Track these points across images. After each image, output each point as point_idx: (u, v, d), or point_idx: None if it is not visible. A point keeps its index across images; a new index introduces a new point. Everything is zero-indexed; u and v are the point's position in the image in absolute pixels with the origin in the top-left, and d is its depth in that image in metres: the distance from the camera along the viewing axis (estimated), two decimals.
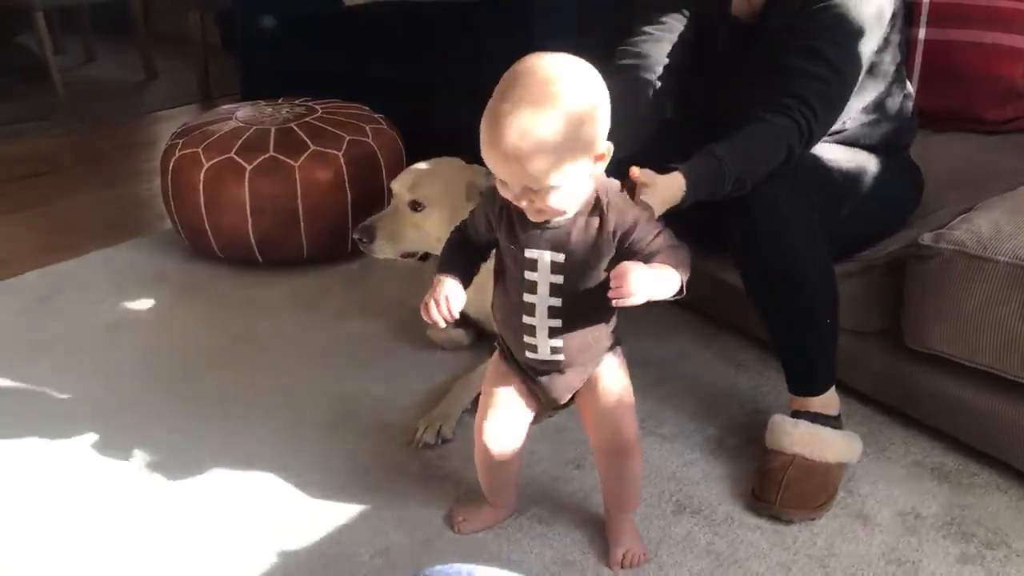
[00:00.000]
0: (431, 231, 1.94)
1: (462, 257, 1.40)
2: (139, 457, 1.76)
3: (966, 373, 1.63)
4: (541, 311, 1.32)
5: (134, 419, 1.88)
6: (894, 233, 1.76)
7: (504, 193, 1.24)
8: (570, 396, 1.44)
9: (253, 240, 2.43)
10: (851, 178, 1.69)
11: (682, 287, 1.26)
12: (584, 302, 1.31)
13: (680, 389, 1.94)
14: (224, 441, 1.80)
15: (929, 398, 1.73)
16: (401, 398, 1.92)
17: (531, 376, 1.41)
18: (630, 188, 1.34)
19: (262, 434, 1.82)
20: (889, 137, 1.75)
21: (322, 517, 1.60)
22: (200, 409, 1.90)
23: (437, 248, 1.96)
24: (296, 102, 2.69)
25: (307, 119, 2.54)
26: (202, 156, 2.42)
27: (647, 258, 1.25)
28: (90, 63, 4.94)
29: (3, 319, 2.30)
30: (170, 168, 2.48)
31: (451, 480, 1.68)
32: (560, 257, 1.28)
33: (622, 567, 1.48)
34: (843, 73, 1.57)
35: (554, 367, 1.38)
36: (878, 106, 1.72)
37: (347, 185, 2.43)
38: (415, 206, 1.94)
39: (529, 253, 1.30)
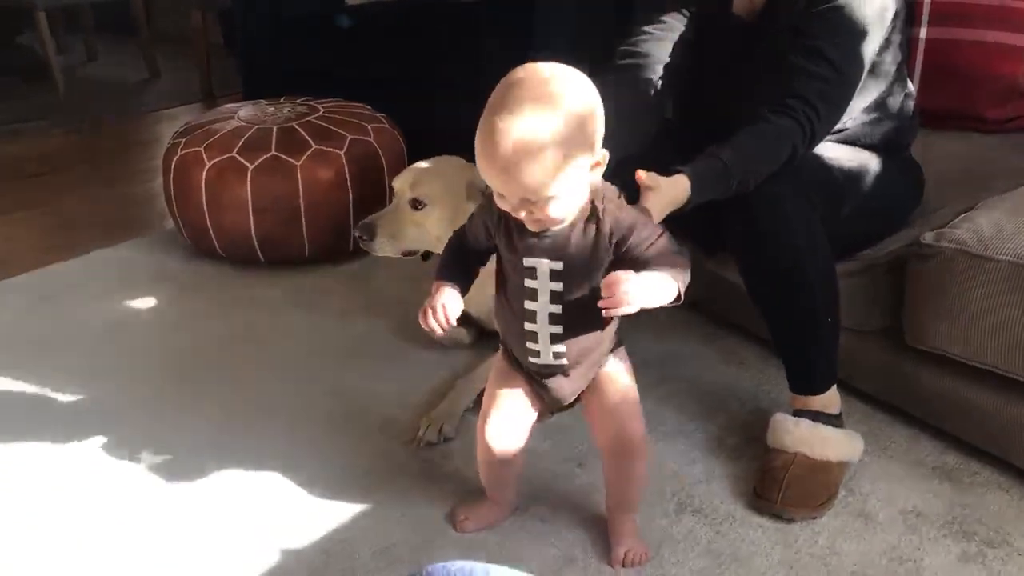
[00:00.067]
0: (431, 229, 1.94)
1: (460, 263, 1.41)
2: (140, 456, 1.76)
3: (967, 372, 1.64)
4: (542, 318, 1.32)
5: (136, 418, 1.88)
6: (895, 232, 1.77)
7: (502, 205, 1.24)
8: (575, 398, 1.44)
9: (255, 239, 2.43)
10: (852, 177, 1.69)
11: (679, 294, 1.24)
12: (585, 308, 1.30)
13: (681, 388, 1.94)
14: (225, 440, 1.80)
15: (930, 397, 1.74)
16: (403, 397, 1.92)
17: (536, 379, 1.42)
18: (630, 193, 1.35)
19: (264, 433, 1.82)
20: (890, 136, 1.75)
21: (324, 515, 1.60)
22: (201, 408, 1.91)
23: (437, 246, 1.96)
24: (298, 101, 2.69)
25: (309, 118, 2.54)
26: (204, 155, 2.42)
27: (644, 264, 1.24)
28: (92, 62, 4.95)
29: (4, 318, 2.30)
30: (172, 167, 2.49)
31: (453, 479, 1.68)
32: (559, 265, 1.29)
33: (624, 566, 1.48)
34: (845, 73, 1.57)
35: (558, 370, 1.39)
36: (879, 105, 1.72)
37: (349, 184, 2.44)
38: (416, 204, 1.95)
39: (528, 262, 1.30)
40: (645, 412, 1.45)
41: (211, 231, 2.46)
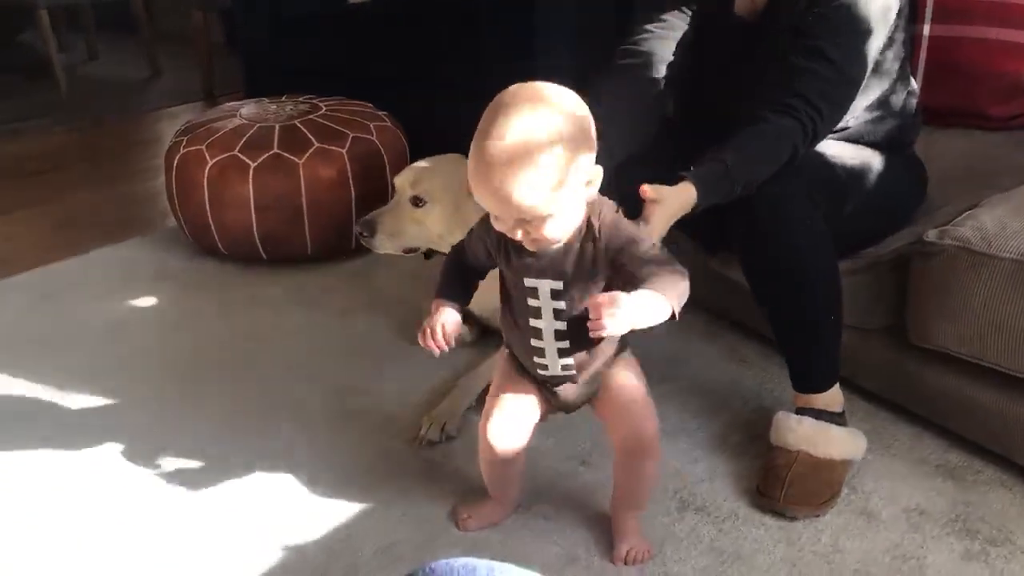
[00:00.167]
0: (432, 227, 1.94)
1: (459, 280, 1.41)
2: (141, 455, 1.76)
3: (971, 370, 1.63)
4: (548, 335, 1.33)
5: (137, 417, 1.88)
6: (898, 230, 1.76)
7: (497, 226, 1.24)
8: (583, 401, 1.45)
9: (257, 237, 2.43)
10: (855, 175, 1.69)
11: (674, 313, 1.22)
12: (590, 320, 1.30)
13: (683, 386, 1.94)
14: (227, 439, 1.80)
15: (934, 395, 1.73)
16: (405, 395, 1.92)
17: (544, 385, 1.42)
18: (633, 196, 1.34)
19: (265, 431, 1.82)
20: (893, 134, 1.75)
21: (326, 513, 1.60)
22: (203, 407, 1.91)
23: (438, 244, 1.97)
24: (300, 99, 2.70)
25: (311, 116, 2.54)
26: (206, 154, 2.42)
27: (639, 281, 1.23)
28: (93, 61, 4.95)
29: (6, 317, 2.30)
30: (174, 166, 2.49)
31: (455, 477, 1.68)
32: (559, 285, 1.29)
33: (626, 563, 1.48)
34: (847, 72, 1.57)
35: (567, 379, 1.40)
36: (882, 103, 1.72)
37: (351, 182, 2.44)
38: (416, 202, 1.95)
39: (528, 282, 1.30)
40: None
41: (213, 229, 2.46)
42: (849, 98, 1.61)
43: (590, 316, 1.17)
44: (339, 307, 2.32)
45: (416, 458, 1.74)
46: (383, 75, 3.00)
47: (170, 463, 1.74)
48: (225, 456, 1.75)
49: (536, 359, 1.37)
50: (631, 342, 1.43)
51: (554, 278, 1.28)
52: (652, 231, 1.36)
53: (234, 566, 1.50)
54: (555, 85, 1.21)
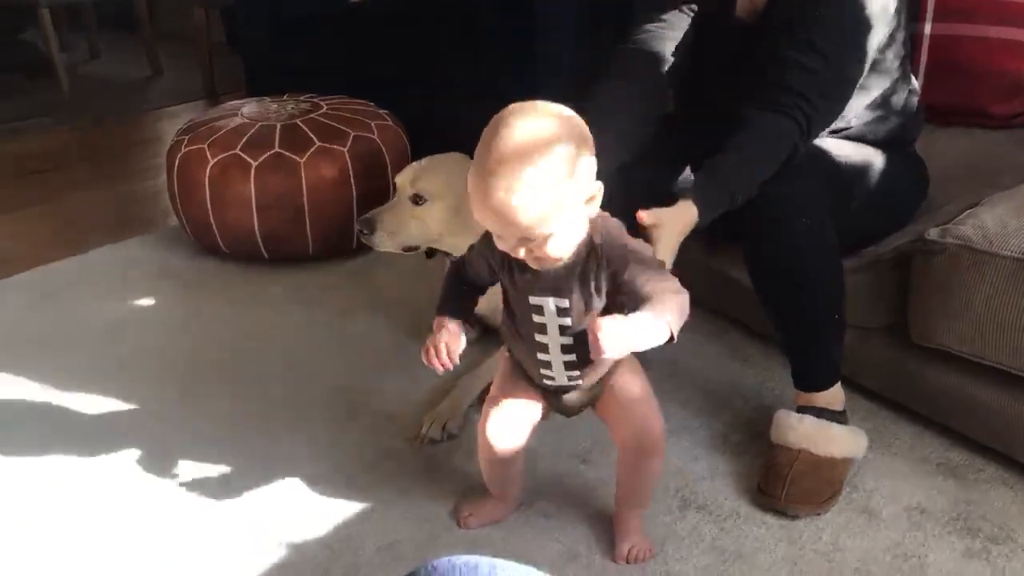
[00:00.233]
0: (432, 225, 1.94)
1: (460, 295, 1.41)
2: (143, 453, 1.76)
3: (972, 369, 1.63)
4: (554, 349, 1.34)
5: (138, 416, 1.88)
6: (900, 229, 1.76)
7: (500, 246, 1.24)
8: (585, 405, 1.45)
9: (258, 236, 2.44)
10: (859, 173, 1.69)
11: (672, 335, 1.22)
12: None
13: (685, 384, 1.94)
14: (228, 437, 1.81)
15: (935, 394, 1.73)
16: (406, 394, 1.92)
17: (548, 391, 1.43)
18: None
19: (267, 430, 1.83)
20: (895, 133, 1.75)
21: (327, 512, 1.61)
22: (204, 406, 1.91)
23: (438, 242, 1.97)
24: (301, 98, 2.70)
25: (312, 115, 2.55)
26: (208, 153, 2.42)
27: (639, 301, 1.23)
28: (95, 60, 4.95)
29: (8, 316, 2.30)
30: (176, 165, 2.49)
31: (457, 475, 1.69)
32: (564, 302, 1.29)
33: (628, 562, 1.48)
34: (840, 67, 1.56)
35: (572, 388, 1.40)
36: (884, 102, 1.72)
37: (352, 181, 2.44)
38: (417, 199, 1.95)
39: (533, 299, 1.30)
40: None
41: (215, 228, 2.46)
42: (845, 95, 1.60)
43: (589, 340, 1.17)
44: (340, 306, 2.32)
45: (417, 457, 1.74)
46: (384, 74, 3.00)
47: (170, 462, 1.74)
48: (226, 455, 1.75)
49: (542, 371, 1.38)
50: None
51: (559, 295, 1.29)
52: (660, 255, 1.35)
53: (235, 565, 1.50)
54: (551, 103, 1.21)
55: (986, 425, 1.67)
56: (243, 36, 3.56)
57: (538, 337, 1.33)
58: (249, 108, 2.62)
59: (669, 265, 1.35)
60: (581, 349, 1.31)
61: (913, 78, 1.81)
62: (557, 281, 1.28)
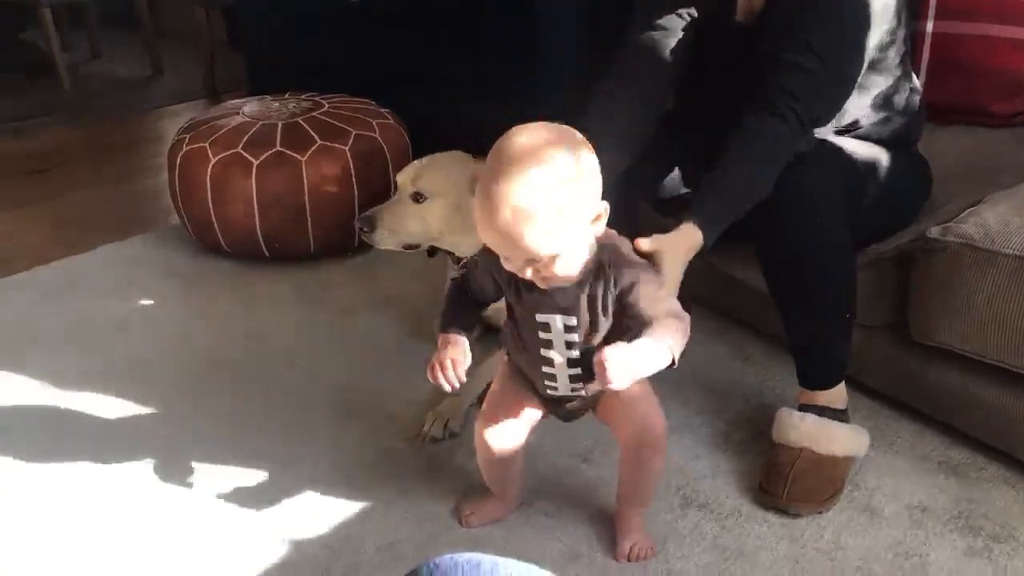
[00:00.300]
0: (433, 223, 1.94)
1: (464, 311, 1.41)
2: (144, 452, 1.76)
3: (974, 367, 1.63)
4: (560, 363, 1.35)
5: (139, 414, 1.88)
6: (904, 227, 1.75)
7: (507, 266, 1.25)
8: (585, 410, 1.46)
9: (260, 235, 2.44)
10: (871, 171, 1.67)
11: (673, 360, 1.24)
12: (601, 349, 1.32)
13: (686, 383, 1.94)
14: (230, 436, 1.81)
15: (937, 392, 1.73)
16: (408, 392, 1.92)
17: (550, 399, 1.43)
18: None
19: (268, 428, 1.83)
20: (900, 132, 1.74)
21: (328, 511, 1.61)
22: (206, 404, 1.91)
23: (439, 241, 1.97)
24: (302, 97, 2.70)
25: (313, 114, 2.55)
26: (209, 151, 2.42)
27: (642, 324, 1.25)
28: (96, 59, 4.95)
29: (10, 315, 2.31)
30: (177, 163, 2.49)
31: (458, 474, 1.68)
32: (572, 320, 1.30)
33: (629, 560, 1.48)
34: (837, 66, 1.55)
35: (576, 398, 1.41)
36: (886, 101, 1.71)
37: (354, 180, 2.44)
38: (417, 197, 1.95)
39: (540, 317, 1.31)
40: None
41: (216, 227, 2.46)
42: (843, 95, 1.60)
43: (595, 371, 1.19)
44: (342, 305, 2.32)
45: (419, 455, 1.74)
46: (385, 73, 2.99)
47: (172, 461, 1.74)
48: (226, 454, 1.75)
49: (546, 382, 1.39)
50: None
51: (566, 314, 1.30)
52: (667, 281, 1.35)
53: (236, 564, 1.50)
54: (555, 124, 1.22)
55: (988, 423, 1.67)
56: (244, 35, 3.55)
57: (543, 352, 1.34)
58: (250, 107, 2.63)
59: (673, 291, 1.35)
60: (587, 364, 1.32)
61: (914, 76, 1.80)
62: (565, 300, 1.29)
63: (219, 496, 1.65)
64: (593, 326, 1.30)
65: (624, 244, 1.31)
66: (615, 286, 1.27)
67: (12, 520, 1.60)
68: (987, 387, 1.64)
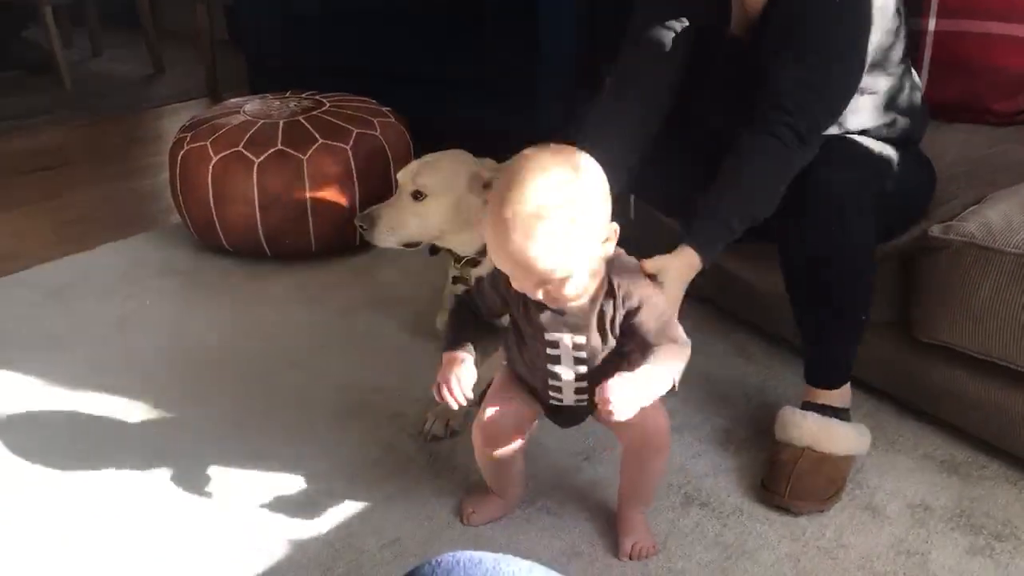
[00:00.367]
0: (432, 220, 1.95)
1: (468, 330, 1.42)
2: (146, 450, 1.77)
3: (975, 365, 1.63)
4: (567, 378, 1.37)
5: (140, 413, 1.88)
6: (909, 227, 1.74)
7: (518, 287, 1.27)
8: (585, 417, 1.47)
9: (261, 234, 2.44)
10: (891, 168, 1.66)
11: (674, 386, 1.28)
12: (608, 364, 1.35)
13: (688, 382, 1.91)
14: (232, 434, 1.81)
15: (938, 391, 1.73)
16: (410, 390, 1.92)
17: (553, 407, 1.44)
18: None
19: (271, 426, 1.83)
20: (906, 131, 1.73)
21: (330, 509, 1.61)
22: (207, 403, 1.91)
23: (439, 239, 1.97)
24: (304, 95, 2.69)
25: (315, 112, 2.54)
26: (210, 150, 2.42)
27: (646, 346, 1.28)
28: (97, 57, 4.95)
29: (12, 313, 2.31)
30: (178, 162, 2.49)
31: (460, 472, 1.69)
32: (581, 339, 1.32)
33: (631, 558, 1.48)
34: (835, 78, 1.54)
35: (579, 408, 1.43)
36: (892, 101, 1.70)
37: (355, 178, 2.44)
38: (416, 195, 1.95)
39: (550, 336, 1.33)
40: None
41: (217, 226, 2.46)
42: (839, 109, 1.57)
43: (599, 405, 1.22)
44: (343, 303, 2.32)
45: (420, 454, 1.75)
46: (385, 73, 3.00)
47: (173, 460, 1.74)
48: (229, 452, 1.75)
49: (552, 393, 1.40)
50: None
51: (576, 332, 1.32)
52: (668, 302, 1.37)
53: (238, 562, 1.50)
54: (564, 147, 1.24)
55: (989, 422, 1.67)
56: (245, 34, 3.55)
57: (551, 367, 1.36)
58: (251, 105, 2.62)
59: (675, 312, 1.38)
60: (594, 376, 1.35)
61: (915, 73, 1.79)
62: (575, 319, 1.30)
63: (220, 495, 1.65)
64: (602, 343, 1.32)
65: (632, 263, 1.33)
66: (624, 304, 1.29)
67: (12, 519, 1.60)
68: (989, 385, 1.63)
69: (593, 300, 1.29)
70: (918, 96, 1.78)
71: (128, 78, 4.61)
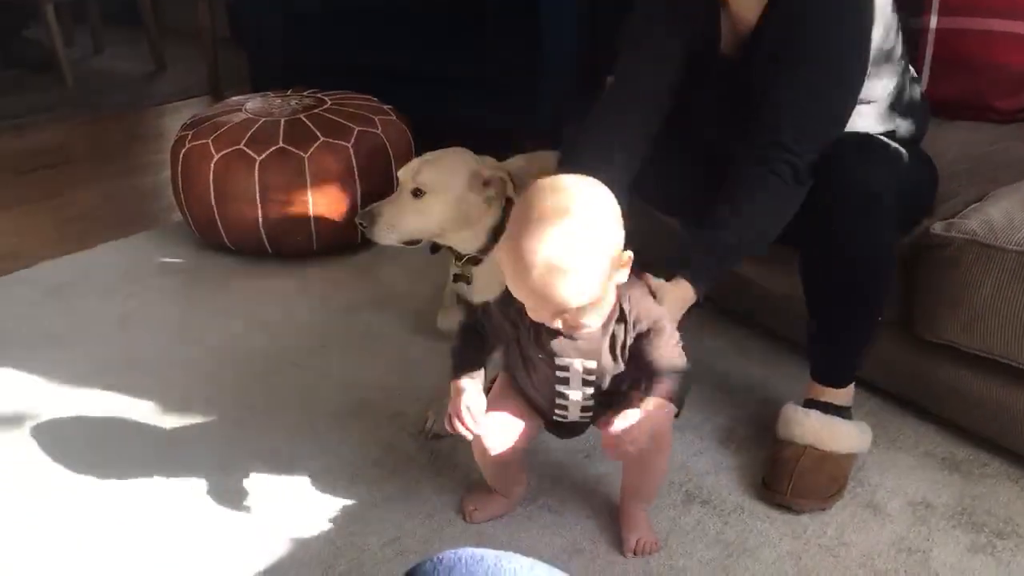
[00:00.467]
0: (432, 218, 1.94)
1: (475, 353, 1.42)
2: (147, 448, 1.77)
3: (977, 363, 1.63)
4: (575, 398, 1.38)
5: (143, 410, 1.88)
6: (913, 227, 1.73)
7: (535, 317, 1.28)
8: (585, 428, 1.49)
9: (263, 232, 2.44)
10: (905, 165, 1.65)
11: (678, 412, 1.31)
12: (615, 386, 1.37)
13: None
14: (233, 432, 1.81)
15: (940, 388, 1.73)
16: (411, 388, 1.92)
17: (555, 420, 1.45)
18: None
19: (271, 424, 1.83)
20: (911, 129, 1.72)
21: (332, 507, 1.61)
22: (210, 400, 1.91)
23: (439, 237, 1.97)
24: (305, 93, 2.69)
25: (316, 110, 2.54)
26: (212, 148, 2.42)
27: (651, 372, 1.31)
28: (99, 55, 4.95)
29: (14, 311, 2.31)
30: (180, 160, 2.49)
31: (461, 470, 1.69)
32: (592, 364, 1.34)
33: (636, 554, 1.48)
34: (837, 97, 1.54)
35: (584, 423, 1.45)
36: (892, 105, 1.68)
37: (356, 176, 2.44)
38: (416, 193, 1.95)
39: (560, 361, 1.34)
40: None
41: (219, 224, 2.46)
42: (838, 130, 1.56)
43: (607, 441, 1.26)
44: (344, 302, 2.32)
45: (422, 451, 1.75)
46: (388, 69, 2.99)
47: (175, 458, 1.74)
48: (230, 451, 1.75)
49: (557, 411, 1.42)
50: None
51: (587, 357, 1.33)
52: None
53: (240, 561, 1.50)
54: (577, 177, 1.25)
55: (991, 420, 1.67)
56: (247, 31, 3.55)
57: (559, 388, 1.38)
58: (253, 103, 2.62)
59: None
60: (600, 398, 1.38)
61: (913, 70, 1.79)
62: (588, 344, 1.32)
63: (222, 492, 1.65)
64: (612, 367, 1.34)
65: (642, 287, 1.35)
66: (634, 328, 1.31)
67: (12, 519, 1.60)
68: (990, 383, 1.63)
69: (605, 325, 1.31)
70: (918, 93, 1.77)
71: (129, 76, 4.61)
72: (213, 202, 2.43)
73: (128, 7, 4.68)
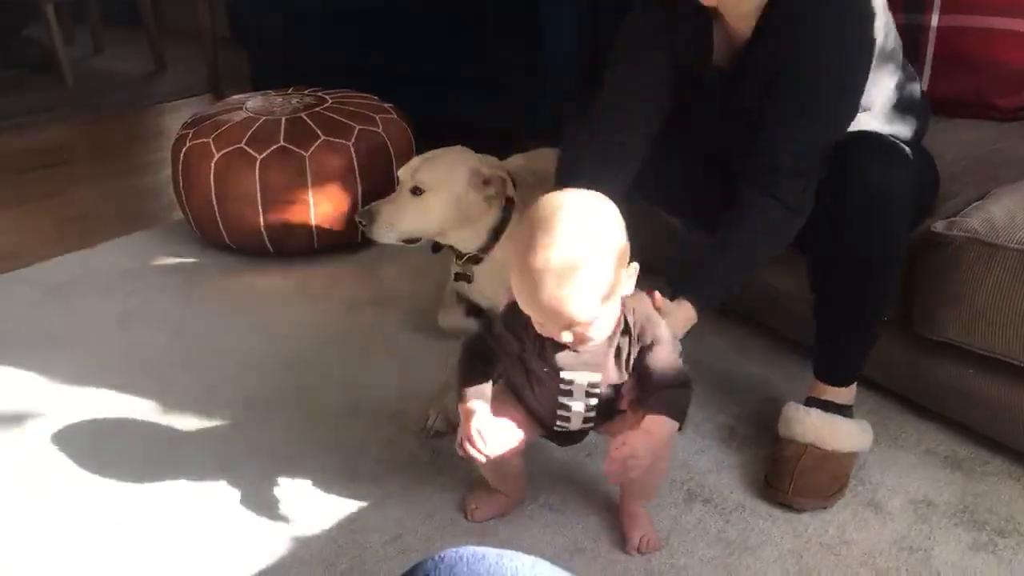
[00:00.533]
0: (431, 216, 1.95)
1: (481, 369, 1.42)
2: (148, 447, 1.77)
3: (978, 361, 1.63)
4: (577, 410, 1.39)
5: (143, 409, 1.88)
6: (915, 226, 1.73)
7: (544, 332, 1.28)
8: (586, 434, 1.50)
9: (263, 230, 2.44)
10: (913, 163, 1.65)
11: (680, 427, 1.33)
12: (617, 396, 1.39)
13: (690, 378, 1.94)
14: (234, 431, 1.81)
15: (941, 386, 1.73)
16: (412, 386, 1.92)
17: (555, 427, 1.45)
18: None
19: (273, 423, 1.83)
20: (914, 128, 1.72)
21: (334, 505, 1.61)
22: (209, 400, 1.91)
23: (439, 236, 1.97)
24: (306, 92, 2.69)
25: (317, 109, 2.54)
26: (212, 147, 2.42)
27: (652, 388, 1.32)
28: (99, 55, 4.95)
29: (14, 310, 2.31)
30: (180, 159, 2.49)
31: (462, 468, 1.68)
32: (596, 377, 1.34)
33: (639, 551, 1.48)
34: (837, 111, 1.53)
35: (585, 431, 1.46)
36: (893, 108, 1.68)
37: (357, 175, 2.43)
38: (416, 191, 1.95)
39: (566, 375, 1.35)
40: None
41: (219, 222, 2.46)
42: (833, 141, 1.54)
43: (612, 467, 1.28)
44: (346, 300, 2.32)
45: (423, 449, 1.75)
46: (388, 69, 2.99)
47: (175, 456, 1.74)
48: (231, 449, 1.75)
49: (559, 421, 1.42)
50: None
51: (593, 370, 1.34)
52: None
53: (241, 559, 1.50)
54: (583, 192, 1.26)
55: (992, 418, 1.67)
56: (247, 31, 3.55)
57: (562, 399, 1.38)
58: (254, 102, 2.62)
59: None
60: (603, 408, 1.39)
61: (911, 68, 1.78)
62: (593, 357, 1.33)
63: (223, 491, 1.65)
64: (616, 379, 1.35)
65: (645, 300, 1.36)
66: (638, 341, 1.32)
67: (12, 518, 1.60)
68: (992, 382, 1.63)
69: (610, 337, 1.31)
70: (918, 91, 1.76)
71: (130, 75, 4.61)
72: (214, 201, 2.43)
73: (128, 7, 4.68)
